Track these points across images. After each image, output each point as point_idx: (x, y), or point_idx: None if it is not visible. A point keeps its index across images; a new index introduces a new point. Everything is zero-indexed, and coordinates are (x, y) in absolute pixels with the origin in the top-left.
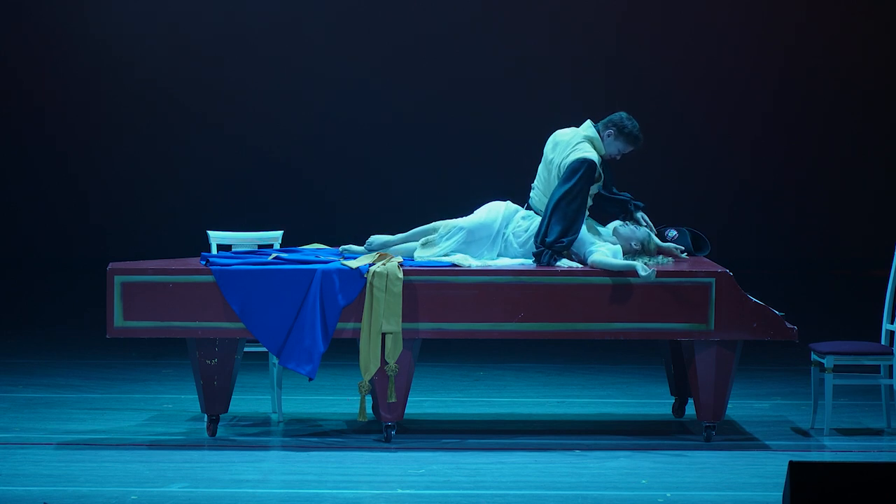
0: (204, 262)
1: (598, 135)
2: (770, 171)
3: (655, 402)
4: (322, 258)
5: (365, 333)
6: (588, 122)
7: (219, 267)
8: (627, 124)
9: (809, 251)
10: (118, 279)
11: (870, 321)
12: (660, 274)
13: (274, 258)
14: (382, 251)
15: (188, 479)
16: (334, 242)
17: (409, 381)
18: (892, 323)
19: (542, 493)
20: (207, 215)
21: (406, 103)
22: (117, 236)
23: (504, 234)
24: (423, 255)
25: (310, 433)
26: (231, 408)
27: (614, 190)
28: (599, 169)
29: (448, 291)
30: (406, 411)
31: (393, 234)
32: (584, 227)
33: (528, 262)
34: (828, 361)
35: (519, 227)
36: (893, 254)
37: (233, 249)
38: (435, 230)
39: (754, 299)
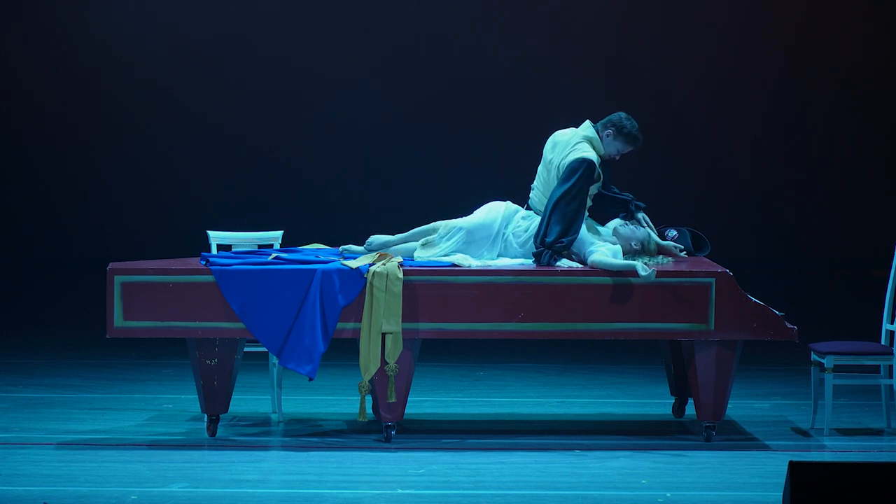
0: (204, 262)
1: (597, 135)
2: (770, 171)
3: (655, 402)
4: (322, 258)
5: (365, 333)
6: (587, 123)
7: (219, 267)
8: (626, 124)
9: (809, 251)
10: (118, 279)
11: (870, 321)
12: (660, 274)
13: (274, 258)
14: (382, 251)
15: (188, 479)
16: (334, 242)
17: (409, 381)
18: (892, 323)
19: (542, 493)
20: (207, 215)
21: (406, 103)
22: (117, 236)
23: (504, 234)
24: (422, 255)
25: (310, 433)
26: (231, 408)
27: (615, 190)
28: (599, 169)
29: (448, 291)
30: (406, 411)
31: (393, 234)
32: (583, 227)
33: (528, 262)
34: (828, 361)
35: (519, 227)
36: (893, 254)
37: (233, 249)
38: (435, 230)
39: (754, 299)
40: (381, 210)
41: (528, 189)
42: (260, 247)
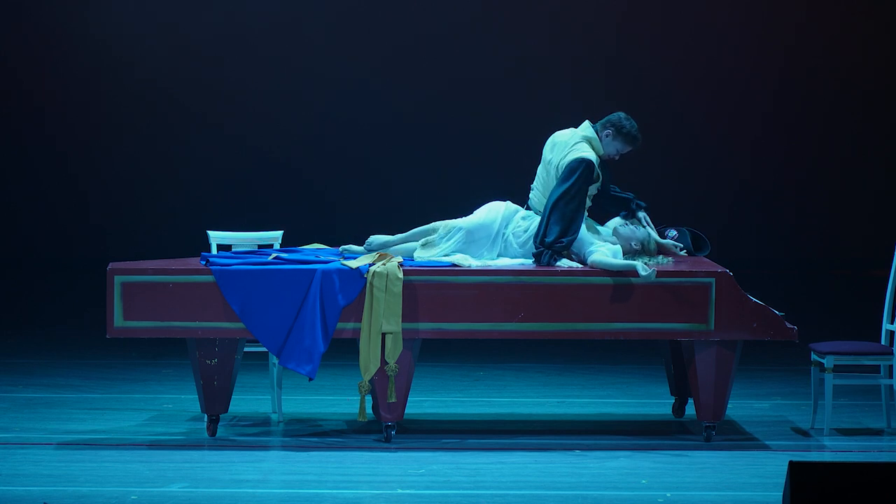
0: (204, 262)
1: (596, 135)
2: (770, 171)
3: (655, 402)
4: (322, 258)
5: (365, 333)
6: (586, 123)
7: (219, 267)
8: (626, 124)
9: (809, 251)
10: (118, 279)
11: (870, 321)
12: (660, 274)
13: (274, 258)
14: (382, 251)
15: (188, 479)
16: (334, 242)
17: (409, 381)
18: (892, 323)
19: (542, 493)
20: (207, 215)
21: (406, 103)
22: (117, 236)
23: (504, 234)
24: (422, 255)
25: (310, 433)
26: (231, 408)
27: (617, 189)
28: (598, 169)
29: (448, 291)
30: (406, 411)
31: (393, 234)
32: (583, 227)
33: (528, 262)
34: (828, 361)
35: (519, 227)
36: (893, 254)
37: (233, 249)
38: (434, 230)
39: (754, 299)
40: (381, 210)
41: (528, 189)
42: (260, 247)
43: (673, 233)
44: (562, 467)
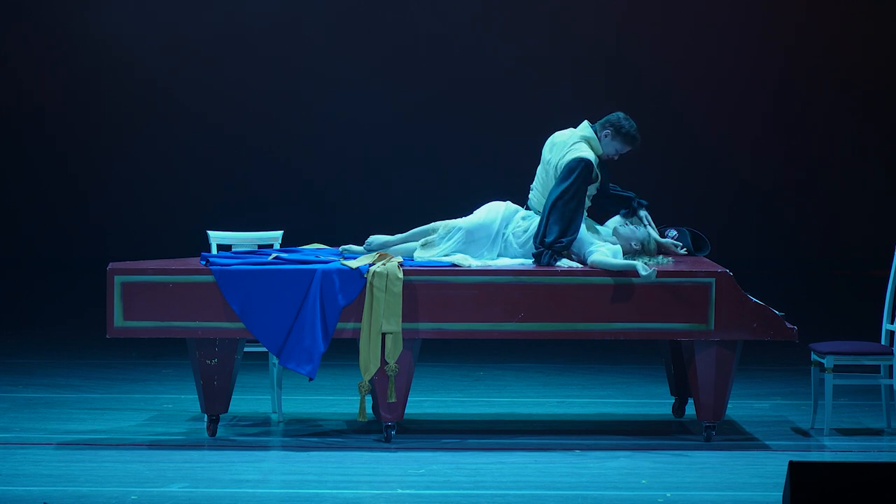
0: (204, 262)
1: (594, 135)
2: (770, 171)
3: (655, 402)
4: (322, 258)
5: (365, 333)
6: (585, 123)
7: (219, 267)
8: (625, 124)
9: (809, 251)
10: (118, 279)
11: (870, 321)
12: (660, 274)
13: (274, 258)
14: (382, 251)
15: (188, 479)
16: (334, 242)
17: (409, 381)
18: (892, 323)
19: (542, 493)
20: (207, 215)
21: (406, 103)
22: (117, 236)
23: (504, 234)
24: (422, 255)
25: (310, 433)
26: (231, 408)
27: (618, 188)
28: (596, 169)
29: (448, 291)
30: (406, 411)
31: (393, 234)
32: (583, 227)
33: (528, 262)
34: (828, 361)
35: (519, 227)
36: (893, 254)
37: (233, 249)
38: (434, 230)
39: (754, 299)
40: (381, 210)
41: (528, 189)
42: (260, 247)
43: (673, 233)
44: (562, 467)
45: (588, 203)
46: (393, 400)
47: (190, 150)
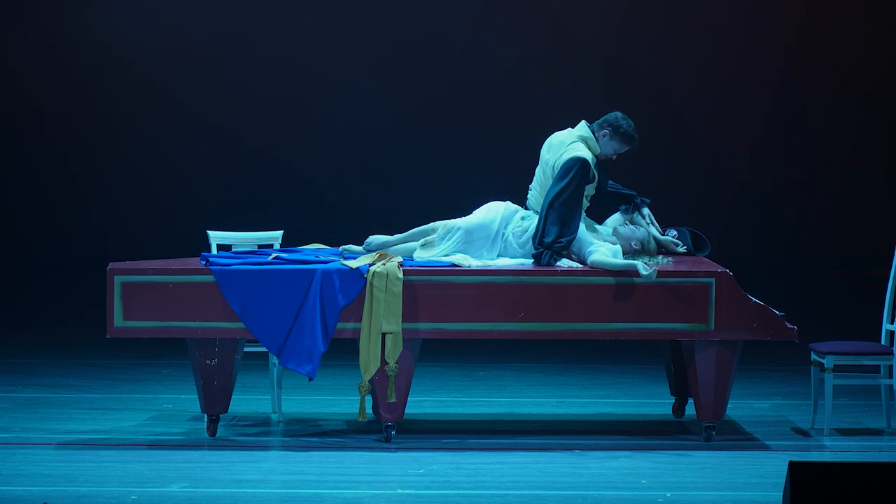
0: (204, 262)
1: (592, 135)
2: (770, 171)
3: (655, 402)
4: (322, 258)
5: (365, 333)
6: (583, 123)
7: (219, 267)
8: (623, 124)
9: (809, 251)
10: (118, 279)
11: (870, 321)
12: (660, 274)
13: (274, 258)
14: (381, 251)
15: (188, 479)
16: (334, 242)
17: (409, 381)
18: (892, 323)
19: (542, 493)
20: (207, 215)
21: (406, 103)
22: (117, 236)
23: (504, 234)
24: (422, 255)
25: (310, 433)
26: (231, 408)
27: (619, 187)
28: (593, 169)
29: (448, 291)
30: (406, 411)
31: (392, 234)
32: (583, 227)
33: (528, 263)
34: (828, 361)
35: (518, 227)
36: (893, 254)
37: (233, 249)
38: (434, 230)
39: (754, 299)
40: (381, 210)
41: (528, 189)
42: (260, 247)
43: (673, 233)
44: (562, 467)
45: (586, 203)
46: (393, 400)
47: (190, 150)
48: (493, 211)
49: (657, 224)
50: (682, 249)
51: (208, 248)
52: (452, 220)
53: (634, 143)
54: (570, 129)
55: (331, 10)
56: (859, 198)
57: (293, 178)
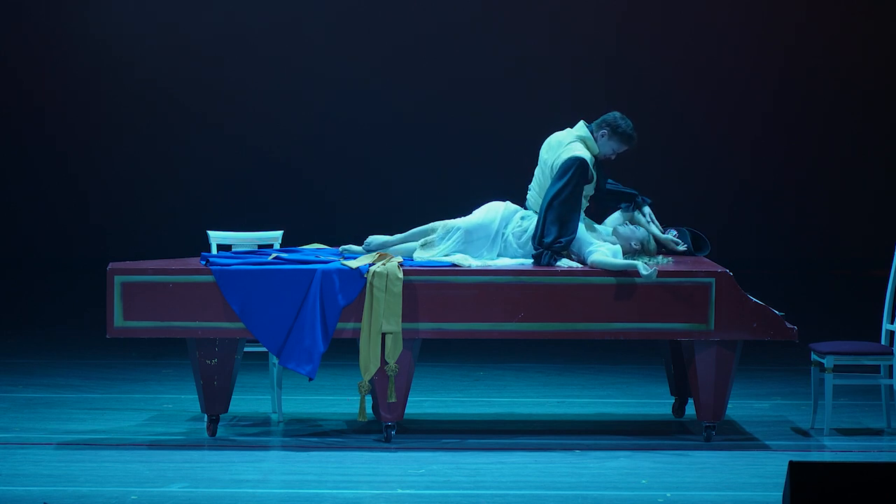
0: (204, 262)
1: (590, 135)
2: (770, 171)
3: (655, 402)
4: (322, 258)
5: (365, 333)
6: (581, 123)
7: (219, 267)
8: (621, 124)
9: (809, 251)
10: (118, 279)
11: (870, 321)
12: (660, 274)
13: (274, 258)
14: (381, 251)
15: (188, 479)
16: (334, 242)
17: (409, 381)
18: (892, 323)
19: (542, 493)
20: (207, 215)
21: (406, 103)
22: (117, 236)
23: (503, 234)
24: (422, 255)
25: (310, 433)
26: (231, 408)
27: (620, 185)
28: (592, 169)
29: (448, 291)
30: (406, 411)
31: (392, 234)
32: (582, 228)
33: (528, 262)
34: (828, 361)
35: (518, 227)
36: (893, 254)
37: (233, 249)
38: (433, 230)
39: (754, 299)
40: (381, 210)
41: (527, 190)
42: (260, 247)
43: (673, 232)
44: (562, 467)
45: (585, 203)
46: (393, 400)
47: (190, 150)
48: (492, 211)
49: (658, 223)
50: (682, 248)
51: (208, 248)
52: (452, 220)
53: (633, 143)
54: (568, 129)
55: (331, 10)
56: (859, 198)
57: (293, 178)
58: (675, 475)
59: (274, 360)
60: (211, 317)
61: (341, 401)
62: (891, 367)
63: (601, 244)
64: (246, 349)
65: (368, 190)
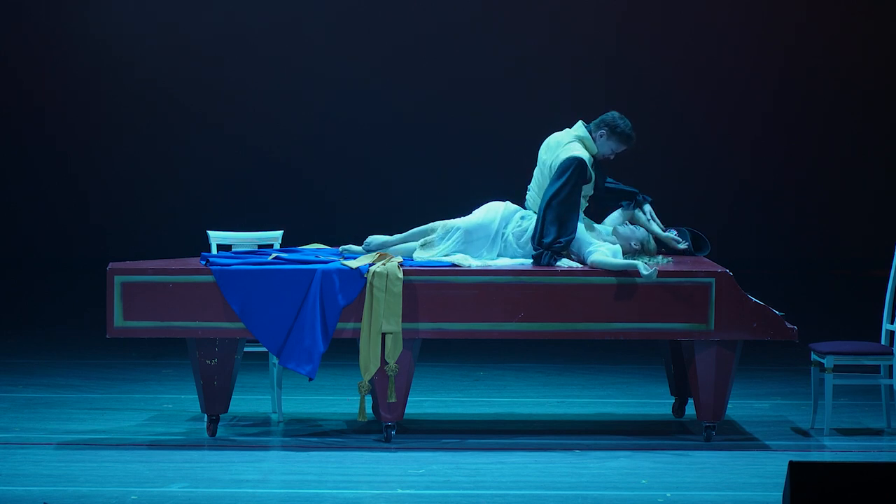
0: (204, 262)
1: (589, 135)
2: (770, 171)
3: (655, 402)
4: (322, 258)
5: (365, 333)
6: (580, 123)
7: (219, 267)
8: (620, 123)
9: (809, 251)
10: (118, 279)
11: (870, 321)
12: (660, 274)
13: (274, 258)
14: (381, 251)
15: (188, 479)
16: (334, 242)
17: (409, 381)
18: (892, 323)
19: (542, 493)
20: (207, 215)
21: (406, 103)
22: (117, 236)
23: (503, 234)
24: (422, 255)
25: (310, 433)
26: (231, 408)
27: (620, 184)
28: (591, 169)
29: (448, 291)
30: (406, 411)
31: (392, 234)
32: (582, 228)
33: (528, 262)
34: (828, 361)
35: (518, 227)
36: (893, 254)
37: (233, 249)
38: (433, 230)
39: (754, 299)
40: (381, 210)
41: (527, 191)
42: (260, 247)
43: (673, 233)
44: (562, 467)
45: (584, 204)
46: (393, 400)
47: (190, 150)
48: (492, 211)
49: (658, 220)
50: (682, 246)
51: (208, 248)
52: (452, 220)
53: (632, 143)
54: (567, 129)
55: (331, 10)
56: (859, 198)
57: (293, 178)
58: (675, 475)
59: (274, 360)
60: (211, 317)
61: (341, 401)
62: (891, 367)
63: (601, 244)
64: (246, 349)
65: (368, 190)
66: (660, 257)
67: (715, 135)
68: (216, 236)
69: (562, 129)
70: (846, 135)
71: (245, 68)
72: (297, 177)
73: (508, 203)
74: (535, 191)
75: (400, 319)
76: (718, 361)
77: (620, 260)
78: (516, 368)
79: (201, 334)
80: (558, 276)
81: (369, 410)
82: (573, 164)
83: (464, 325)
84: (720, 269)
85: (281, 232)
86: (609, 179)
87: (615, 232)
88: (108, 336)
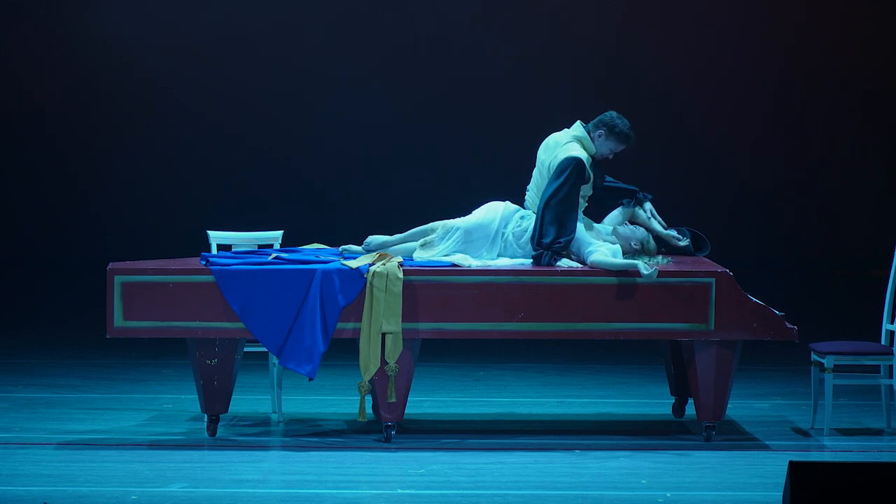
0: (204, 262)
1: (587, 135)
2: (770, 171)
3: (655, 402)
4: (322, 258)
5: (365, 333)
6: (578, 123)
7: (219, 267)
8: (618, 123)
9: (809, 251)
10: (118, 279)
11: (870, 321)
12: (660, 274)
13: (274, 258)
14: (381, 251)
15: (188, 479)
16: (334, 242)
17: (409, 381)
18: (892, 323)
19: (542, 493)
20: (207, 215)
21: (406, 103)
22: (117, 236)
23: (503, 234)
24: (422, 255)
25: (310, 433)
26: (231, 408)
27: (620, 183)
28: (589, 169)
29: (448, 291)
30: (406, 411)
31: (392, 234)
32: (582, 228)
33: (528, 262)
34: (828, 361)
35: (518, 227)
36: (893, 254)
37: (233, 249)
38: (433, 230)
39: (754, 299)
40: (381, 210)
41: (526, 191)
42: (260, 247)
43: (673, 232)
44: (562, 467)
45: (583, 204)
46: (393, 400)
47: (190, 150)
48: (492, 211)
49: (660, 218)
50: (683, 244)
51: (208, 248)
52: (452, 220)
53: (630, 143)
54: (566, 129)
55: (331, 10)
56: (859, 198)
57: (293, 178)
58: (675, 475)
59: (274, 360)
60: (211, 317)
61: (341, 401)
62: (891, 367)
63: (601, 244)
64: (246, 349)
65: (368, 190)
66: (660, 257)
67: (715, 135)
68: (216, 236)
69: (561, 130)
70: (846, 135)
71: (245, 68)
72: (297, 177)
73: (508, 203)
74: (535, 191)
75: (400, 319)
76: (718, 361)
77: (620, 260)
78: (516, 368)
79: (201, 334)
80: (558, 276)
81: (369, 410)
82: (571, 165)
83: (464, 325)
84: (720, 269)
85: (281, 232)
86: (608, 178)
87: (615, 232)
88: (108, 336)
